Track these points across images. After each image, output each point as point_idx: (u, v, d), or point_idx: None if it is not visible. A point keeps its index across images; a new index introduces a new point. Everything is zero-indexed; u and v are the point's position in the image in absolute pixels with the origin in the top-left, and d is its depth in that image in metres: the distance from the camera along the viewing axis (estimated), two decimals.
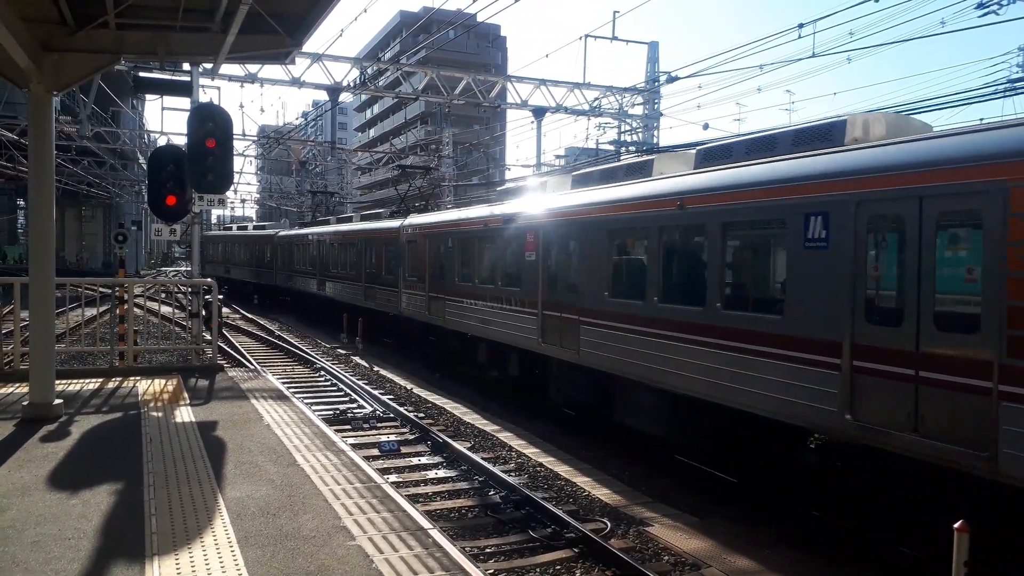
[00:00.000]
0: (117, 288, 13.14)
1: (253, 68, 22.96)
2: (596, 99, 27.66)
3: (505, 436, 11.57)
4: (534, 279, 12.89)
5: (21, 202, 60.46)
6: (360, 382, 15.72)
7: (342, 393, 14.95)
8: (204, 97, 19.99)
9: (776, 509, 8.62)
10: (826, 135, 8.09)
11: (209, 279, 13.24)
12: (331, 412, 12.69)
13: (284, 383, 12.99)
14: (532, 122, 29.25)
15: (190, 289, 16.88)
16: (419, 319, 19.05)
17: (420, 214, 21.46)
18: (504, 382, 15.16)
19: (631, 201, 10.53)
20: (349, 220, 28.32)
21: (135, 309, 13.03)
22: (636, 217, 10.34)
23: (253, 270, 39.89)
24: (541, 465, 10.04)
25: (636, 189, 10.69)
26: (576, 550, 7.20)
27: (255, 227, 45.84)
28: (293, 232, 35.08)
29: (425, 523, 5.54)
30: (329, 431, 8.33)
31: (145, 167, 33.19)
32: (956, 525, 5.05)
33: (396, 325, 21.53)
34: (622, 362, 10.39)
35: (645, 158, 11.54)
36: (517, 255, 13.75)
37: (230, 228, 52.17)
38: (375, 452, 10.50)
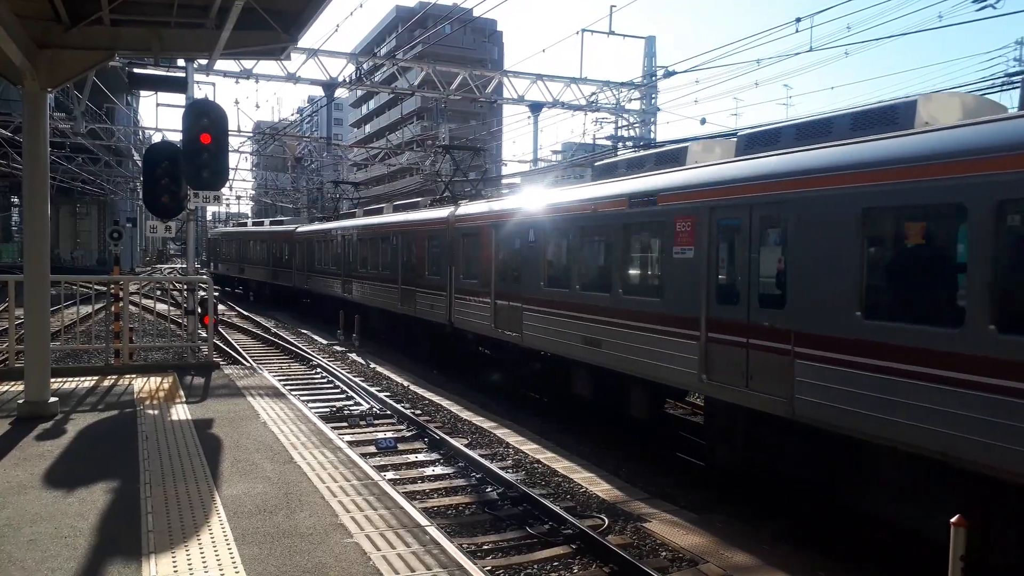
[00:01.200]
0: (112, 285, 13.09)
1: (248, 64, 22.92)
2: (593, 94, 27.65)
3: (502, 433, 11.56)
4: (692, 286, 9.04)
5: (15, 199, 60.35)
6: (357, 379, 15.70)
7: (339, 390, 14.93)
8: (199, 93, 19.94)
9: (775, 506, 8.63)
10: None
11: (204, 275, 13.20)
12: (328, 409, 12.68)
13: (280, 380, 12.99)
14: (529, 117, 29.26)
15: (185, 286, 16.83)
16: (477, 332, 15.40)
17: (477, 200, 17.58)
18: (619, 426, 11.79)
19: (934, 159, 6.36)
20: (379, 212, 25.10)
21: (130, 307, 12.98)
22: (936, 187, 6.28)
23: (270, 270, 35.86)
24: (538, 462, 10.03)
25: (942, 140, 6.48)
26: (574, 546, 7.20)
27: (272, 222, 40.54)
28: (314, 227, 30.62)
29: (422, 520, 5.54)
30: (326, 428, 8.32)
31: (140, 164, 33.10)
32: (953, 520, 5.06)
33: (428, 335, 18.36)
34: (897, 426, 6.51)
35: (899, 101, 7.66)
36: (657, 251, 10.04)
37: (244, 223, 48.06)
38: (372, 449, 10.49)
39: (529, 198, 14.02)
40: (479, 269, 15.27)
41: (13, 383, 9.89)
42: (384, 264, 21.47)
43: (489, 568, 6.66)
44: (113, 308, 13.21)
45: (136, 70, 11.47)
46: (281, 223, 38.24)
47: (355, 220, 25.77)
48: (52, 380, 8.86)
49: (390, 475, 9.29)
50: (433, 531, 5.32)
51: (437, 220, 17.90)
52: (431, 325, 17.94)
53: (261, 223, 41.94)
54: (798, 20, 17.19)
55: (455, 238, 16.63)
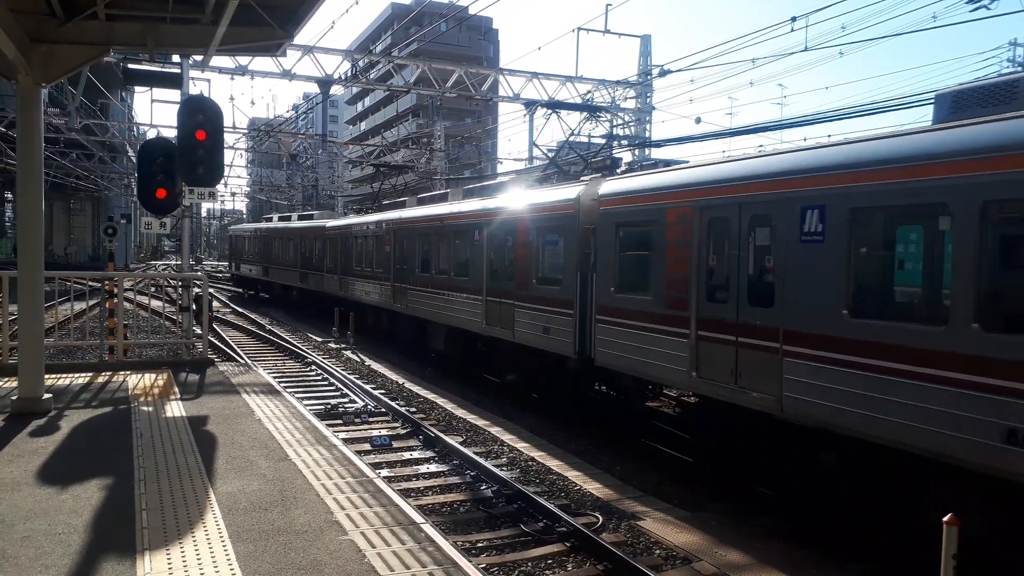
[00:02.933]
0: (106, 282, 13.05)
1: (243, 60, 22.83)
2: (588, 92, 27.62)
3: (497, 431, 11.58)
4: None
5: (9, 195, 60.10)
6: (351, 376, 15.69)
7: (333, 388, 14.92)
8: (194, 89, 19.87)
9: (766, 503, 8.66)
10: None
11: (199, 272, 13.18)
12: (322, 407, 12.66)
13: (275, 377, 12.98)
14: (524, 115, 29.25)
15: (180, 283, 16.79)
16: (650, 377, 10.54)
17: (648, 171, 11.00)
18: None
19: None
20: (437, 200, 19.59)
21: (125, 303, 12.94)
22: None
23: (297, 272, 30.70)
24: (533, 459, 10.05)
25: None
26: (568, 544, 7.21)
27: (300, 216, 34.77)
28: (351, 221, 25.52)
29: (417, 517, 5.54)
30: (320, 425, 8.32)
31: (134, 160, 32.97)
32: (945, 519, 5.08)
33: (536, 369, 13.25)
34: None
35: None
36: None
37: (270, 218, 40.84)
38: (367, 447, 10.49)
39: (800, 158, 8.02)
40: (660, 279, 9.76)
41: (7, 379, 9.85)
42: (457, 268, 16.24)
43: (484, 566, 6.67)
44: (107, 304, 13.16)
45: (131, 66, 11.43)
46: (311, 217, 32.48)
47: (409, 211, 20.21)
48: (46, 376, 8.82)
49: (385, 472, 9.29)
50: (428, 528, 5.33)
51: (557, 205, 12.34)
52: (541, 356, 12.73)
53: (288, 218, 35.89)
54: (793, 19, 17.21)
55: (598, 230, 11.21)
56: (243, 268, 40.99)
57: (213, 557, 4.67)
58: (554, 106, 16.52)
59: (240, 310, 30.93)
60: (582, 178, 13.05)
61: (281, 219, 37.15)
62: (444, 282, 16.78)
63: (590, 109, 15.68)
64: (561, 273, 12.27)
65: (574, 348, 11.66)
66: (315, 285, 28.21)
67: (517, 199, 14.17)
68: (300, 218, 34.00)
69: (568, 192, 12.26)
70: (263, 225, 39.26)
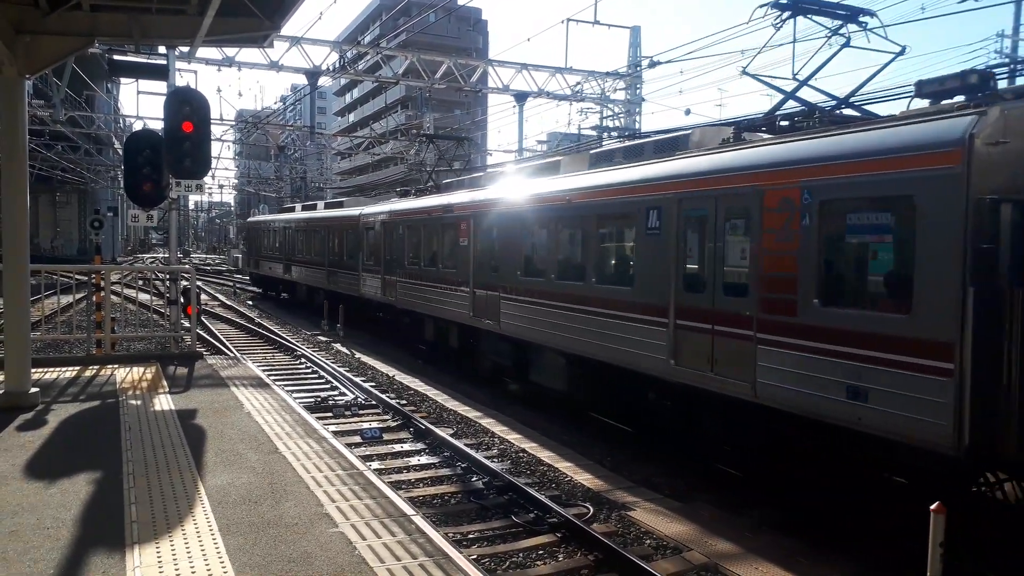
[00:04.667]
0: (93, 275, 12.97)
1: (231, 52, 22.73)
2: (578, 84, 27.62)
3: (488, 422, 11.58)
4: None
5: None
6: (342, 369, 15.65)
7: (323, 380, 14.88)
8: (180, 81, 19.72)
9: (757, 494, 8.70)
10: None
11: (187, 266, 13.11)
12: (312, 399, 12.63)
13: (264, 370, 12.94)
14: (514, 107, 29.23)
15: (168, 276, 16.69)
16: None
17: None
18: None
19: None
20: (545, 171, 13.42)
21: (112, 296, 12.86)
22: None
23: (324, 271, 25.63)
24: (524, 451, 10.06)
25: None
26: (559, 535, 7.23)
27: (328, 204, 29.19)
28: (397, 207, 19.97)
29: (408, 509, 5.55)
30: (310, 418, 8.31)
31: (121, 152, 32.69)
32: (933, 507, 5.13)
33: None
34: None
35: None
36: None
37: (292, 208, 34.66)
38: (357, 439, 10.47)
39: None
40: None
41: None
42: (603, 272, 10.77)
43: (475, 557, 6.68)
44: (95, 298, 13.08)
45: (116, 57, 11.34)
46: (340, 205, 27.13)
47: (499, 189, 14.28)
48: (33, 370, 8.78)
49: (375, 465, 9.29)
50: (419, 520, 5.33)
51: (899, 156, 6.37)
52: (836, 436, 7.21)
53: (313, 207, 30.14)
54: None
55: None
56: (262, 266, 34.55)
57: (203, 550, 4.66)
58: (796, 8, 9.42)
59: (229, 303, 30.79)
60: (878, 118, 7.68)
61: (305, 208, 31.23)
62: (575, 292, 11.06)
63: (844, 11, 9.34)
64: (907, 289, 6.36)
65: (955, 436, 5.90)
66: (347, 287, 23.17)
67: (752, 157, 8.14)
68: (327, 206, 28.45)
69: (929, 130, 6.31)
70: (282, 216, 33.59)
